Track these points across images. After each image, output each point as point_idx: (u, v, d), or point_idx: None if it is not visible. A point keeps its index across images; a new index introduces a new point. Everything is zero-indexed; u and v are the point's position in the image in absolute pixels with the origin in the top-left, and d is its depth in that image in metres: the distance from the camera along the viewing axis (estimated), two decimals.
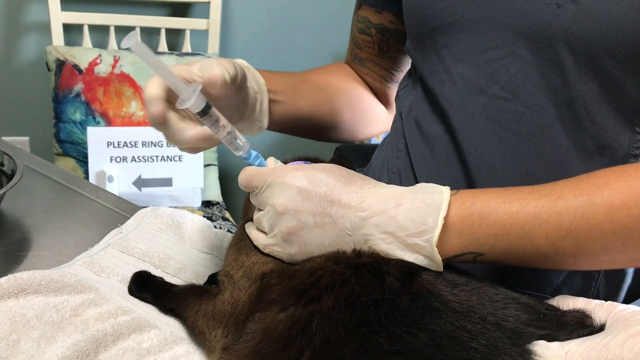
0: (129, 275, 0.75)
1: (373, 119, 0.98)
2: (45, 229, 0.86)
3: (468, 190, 0.58)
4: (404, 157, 0.80)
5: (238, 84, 0.65)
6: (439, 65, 0.70)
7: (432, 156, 0.73)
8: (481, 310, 0.51)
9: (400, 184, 0.79)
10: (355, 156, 2.13)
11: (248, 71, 0.72)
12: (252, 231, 0.64)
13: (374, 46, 0.90)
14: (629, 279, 0.68)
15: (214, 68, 0.60)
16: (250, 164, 0.63)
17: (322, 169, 0.59)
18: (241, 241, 0.66)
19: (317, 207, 0.57)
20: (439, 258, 0.54)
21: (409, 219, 0.55)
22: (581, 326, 0.51)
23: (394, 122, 0.86)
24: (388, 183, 0.82)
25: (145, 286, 0.72)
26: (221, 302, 0.62)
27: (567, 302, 0.54)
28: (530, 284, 0.67)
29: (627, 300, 0.70)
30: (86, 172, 2.00)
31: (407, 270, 0.54)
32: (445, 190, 0.57)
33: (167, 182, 2.06)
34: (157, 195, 2.03)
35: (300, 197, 0.57)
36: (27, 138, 2.33)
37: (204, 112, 0.57)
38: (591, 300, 0.52)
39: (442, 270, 0.55)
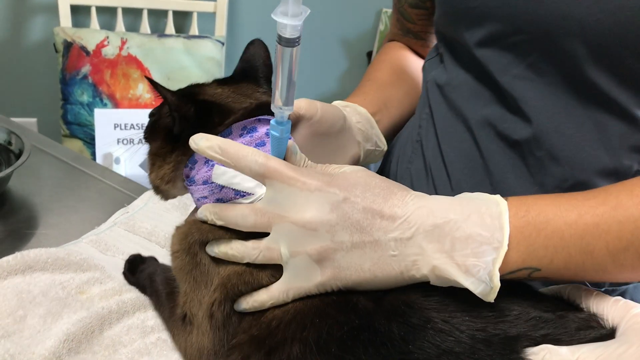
0: (134, 255, 0.76)
1: None
2: (52, 207, 0.86)
3: (518, 198, 0.52)
4: (426, 126, 0.80)
5: (338, 126, 0.65)
6: (463, 45, 0.71)
7: (455, 123, 0.73)
8: (470, 327, 0.47)
9: (422, 153, 0.80)
10: None
11: (347, 108, 0.72)
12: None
13: (429, 18, 0.89)
14: None
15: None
16: (276, 132, 0.50)
17: (356, 178, 0.51)
18: (195, 267, 0.56)
19: (355, 225, 0.48)
20: (498, 282, 0.47)
21: (466, 236, 0.47)
22: (587, 327, 0.47)
23: (421, 94, 0.86)
24: (411, 152, 0.84)
25: (136, 271, 0.70)
26: (190, 345, 0.57)
27: (580, 295, 0.50)
28: None
29: None
30: (93, 154, 2.01)
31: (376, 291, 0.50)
32: (501, 201, 0.50)
33: None
34: None
35: (336, 214, 0.49)
36: (34, 119, 2.34)
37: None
38: (606, 296, 0.48)
39: (493, 299, 0.48)
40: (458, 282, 0.47)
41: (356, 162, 0.70)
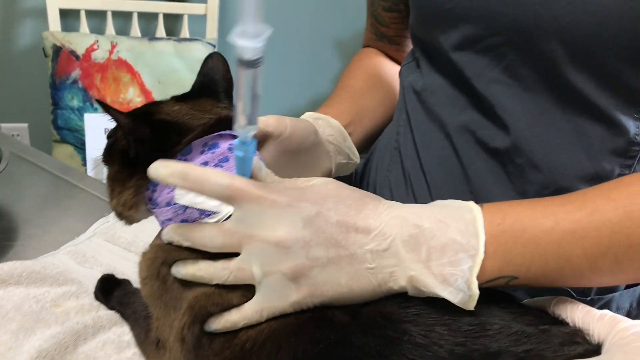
0: (113, 265, 0.75)
1: None
2: (32, 218, 0.85)
3: (493, 204, 0.51)
4: (403, 133, 0.79)
5: (309, 142, 0.64)
6: (438, 49, 0.69)
7: (433, 129, 0.72)
8: (449, 341, 0.45)
9: (401, 160, 0.78)
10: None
11: (319, 120, 0.71)
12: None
13: (403, 21, 0.87)
14: None
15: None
16: (240, 152, 0.48)
17: (327, 190, 0.50)
18: (165, 292, 0.54)
19: (330, 240, 0.47)
20: (476, 290, 0.46)
21: (442, 244, 0.47)
22: (571, 343, 0.46)
23: (398, 100, 0.85)
24: (390, 160, 0.82)
25: (110, 296, 0.67)
26: None
27: (566, 309, 0.49)
28: None
29: (628, 286, 0.69)
30: (84, 159, 1.99)
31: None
32: (474, 207, 0.49)
33: None
34: None
35: (309, 230, 0.47)
36: (25, 125, 2.32)
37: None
38: (592, 309, 0.47)
39: (472, 307, 0.47)
40: (436, 293, 0.47)
41: (327, 175, 0.68)
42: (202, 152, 0.53)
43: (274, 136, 0.59)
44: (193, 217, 0.52)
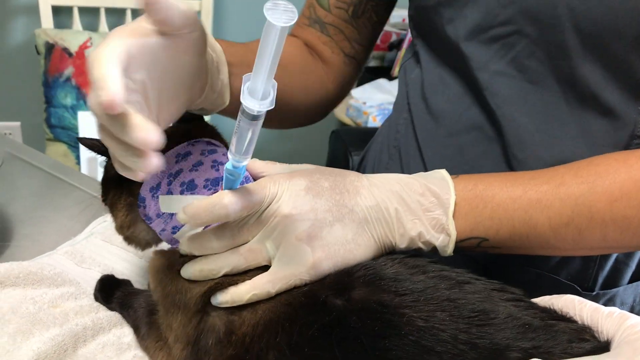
0: (111, 265, 0.73)
1: (324, 100, 0.83)
2: (28, 218, 0.83)
3: (467, 175, 0.56)
4: (404, 132, 0.78)
5: (201, 45, 0.50)
6: (444, 40, 0.68)
7: (437, 127, 0.71)
8: (451, 327, 0.45)
9: (400, 158, 0.77)
10: (352, 139, 2.11)
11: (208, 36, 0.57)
12: (233, 291, 0.52)
13: (348, 9, 0.81)
14: (632, 264, 0.67)
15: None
16: (231, 175, 0.50)
17: (309, 168, 0.56)
18: (165, 299, 0.56)
19: (330, 200, 0.52)
20: (454, 231, 0.53)
21: (420, 194, 0.54)
22: (580, 339, 0.45)
23: (397, 97, 0.83)
24: (388, 158, 0.81)
25: (110, 297, 0.66)
26: None
27: (574, 306, 0.49)
28: (526, 259, 0.66)
29: (630, 281, 0.68)
30: (78, 158, 1.97)
31: (341, 285, 0.50)
32: (442, 171, 0.56)
33: None
34: None
35: (310, 197, 0.52)
36: (18, 123, 2.30)
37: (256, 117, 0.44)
38: (600, 307, 0.47)
39: (451, 252, 0.54)
40: (428, 241, 0.53)
41: (191, 103, 0.55)
42: (176, 162, 0.56)
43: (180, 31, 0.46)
44: (179, 223, 0.54)
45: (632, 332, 0.43)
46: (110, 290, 0.66)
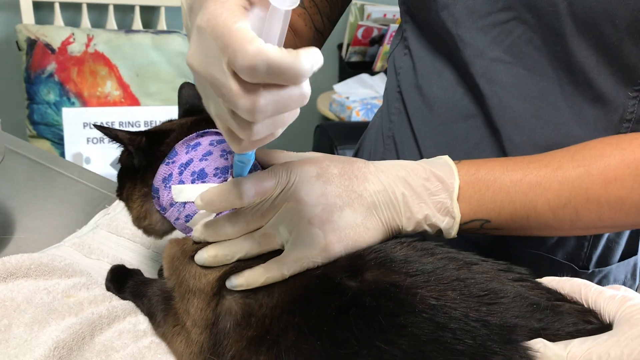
0: (119, 256, 0.74)
1: None
2: (29, 211, 0.83)
3: (469, 160, 0.58)
4: (398, 121, 0.79)
5: None
6: (439, 26, 0.69)
7: (431, 116, 0.73)
8: (462, 305, 0.47)
9: (395, 147, 0.79)
10: (337, 133, 2.12)
11: None
12: (243, 276, 0.53)
13: None
14: (622, 242, 0.70)
15: None
16: (241, 162, 0.52)
17: (317, 155, 0.57)
18: (180, 286, 0.57)
19: (339, 186, 0.54)
20: (459, 214, 0.55)
21: (425, 180, 0.56)
22: (584, 321, 0.47)
23: (387, 86, 0.84)
24: (384, 149, 0.82)
25: (123, 287, 0.67)
26: (180, 354, 0.58)
27: (579, 290, 0.50)
28: (525, 241, 0.68)
29: (621, 259, 0.72)
30: (62, 155, 1.96)
31: (354, 268, 0.51)
32: (446, 157, 0.58)
33: None
34: None
35: (320, 183, 0.54)
36: None
37: None
38: (604, 290, 0.48)
39: (455, 234, 0.57)
40: (434, 223, 0.55)
41: None
42: (186, 152, 0.58)
43: None
44: (192, 210, 0.56)
45: (631, 310, 0.45)
46: (122, 280, 0.67)
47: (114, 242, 0.77)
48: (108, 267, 0.70)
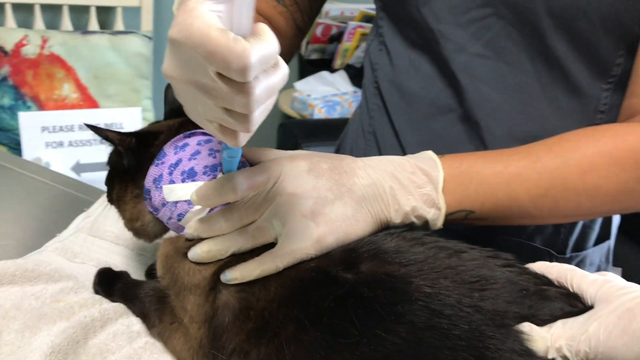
0: (104, 259, 0.73)
1: None
2: (5, 217, 0.81)
3: (452, 154, 0.60)
4: (378, 117, 0.80)
5: None
6: (418, 22, 0.71)
7: (411, 111, 0.75)
8: (455, 292, 0.48)
9: (377, 143, 0.80)
10: (301, 131, 2.13)
11: None
12: (240, 269, 0.54)
13: None
14: (596, 226, 0.73)
15: None
16: (230, 157, 0.53)
17: (306, 152, 0.59)
18: (175, 283, 0.58)
19: (330, 180, 0.55)
20: (444, 205, 0.57)
21: (411, 172, 0.57)
22: (568, 305, 0.49)
23: (364, 82, 0.85)
24: (365, 144, 0.84)
25: (112, 289, 0.67)
26: (179, 351, 0.58)
27: (566, 275, 0.51)
28: (506, 230, 0.71)
29: (596, 243, 0.75)
30: None
31: (348, 260, 0.53)
32: (430, 152, 0.60)
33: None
34: (98, 180, 1.94)
35: (311, 177, 0.55)
36: None
37: None
38: (588, 274, 0.50)
39: (441, 224, 0.58)
40: (421, 215, 0.57)
41: None
42: (175, 153, 0.58)
43: None
44: (184, 209, 0.57)
45: (609, 290, 0.47)
46: (110, 283, 0.67)
47: (97, 245, 0.76)
48: (94, 270, 0.69)
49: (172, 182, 0.57)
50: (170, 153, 0.59)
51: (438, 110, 0.71)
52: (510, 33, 0.64)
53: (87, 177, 1.92)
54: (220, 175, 0.56)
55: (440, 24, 0.68)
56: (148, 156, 0.59)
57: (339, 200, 0.55)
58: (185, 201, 0.56)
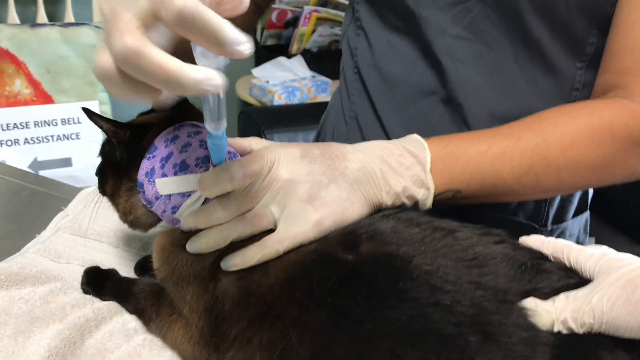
0: (89, 258, 0.72)
1: None
2: None
3: (437, 137, 0.62)
4: (358, 101, 0.81)
5: None
6: (398, 5, 0.71)
7: (393, 95, 0.76)
8: (454, 269, 0.49)
9: (359, 128, 0.81)
10: (263, 118, 2.12)
11: None
12: (244, 254, 0.54)
13: None
14: (574, 201, 0.76)
15: None
16: (215, 145, 0.52)
17: (297, 143, 0.60)
18: (173, 275, 0.58)
19: (323, 165, 0.57)
20: (433, 185, 0.59)
21: (399, 154, 0.59)
22: (566, 276, 0.50)
23: (343, 67, 0.86)
24: (347, 129, 0.85)
25: (102, 288, 0.66)
26: (179, 342, 0.58)
27: (562, 250, 0.52)
28: (491, 207, 0.73)
29: (574, 215, 0.78)
30: None
31: (347, 242, 0.53)
32: (415, 135, 0.61)
33: (66, 162, 1.94)
34: (57, 177, 1.88)
35: (306, 162, 0.56)
36: None
37: None
38: (584, 248, 0.51)
39: (430, 204, 0.60)
40: (411, 195, 0.58)
41: None
42: (166, 146, 0.58)
43: None
44: (178, 202, 0.56)
45: (607, 262, 0.48)
46: (100, 282, 0.66)
47: (81, 244, 0.74)
48: (80, 269, 0.68)
49: (164, 175, 0.57)
50: (161, 146, 0.58)
51: (420, 93, 0.72)
52: (489, 15, 0.65)
53: (46, 175, 1.87)
54: (211, 166, 0.55)
55: (421, 7, 0.69)
56: (139, 149, 0.59)
57: (333, 183, 0.56)
58: (178, 194, 0.56)
